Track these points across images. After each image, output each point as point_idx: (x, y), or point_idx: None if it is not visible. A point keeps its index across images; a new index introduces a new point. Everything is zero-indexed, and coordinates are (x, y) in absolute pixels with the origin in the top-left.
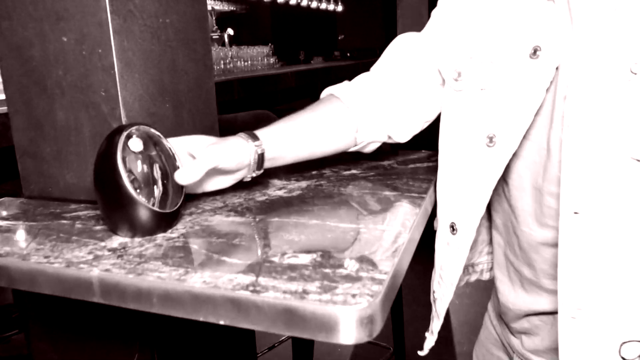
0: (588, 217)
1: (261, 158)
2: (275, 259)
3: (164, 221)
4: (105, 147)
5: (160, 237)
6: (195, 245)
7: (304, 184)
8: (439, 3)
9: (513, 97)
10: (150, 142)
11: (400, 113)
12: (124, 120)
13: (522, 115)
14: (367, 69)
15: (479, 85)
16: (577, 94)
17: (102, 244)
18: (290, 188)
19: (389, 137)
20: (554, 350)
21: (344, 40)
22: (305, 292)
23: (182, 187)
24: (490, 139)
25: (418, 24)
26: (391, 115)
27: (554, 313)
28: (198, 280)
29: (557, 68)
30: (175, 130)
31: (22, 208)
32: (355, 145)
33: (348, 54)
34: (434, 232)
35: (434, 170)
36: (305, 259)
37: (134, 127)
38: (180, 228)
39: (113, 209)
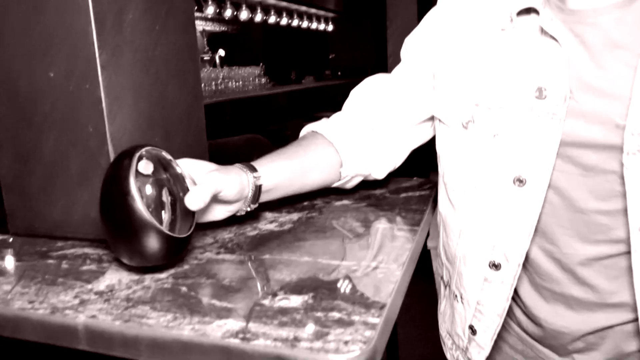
0: None
1: (259, 190)
2: (266, 302)
3: (177, 247)
4: (115, 170)
5: (148, 279)
6: (184, 287)
7: (295, 216)
8: (408, 44)
9: (531, 138)
10: (159, 165)
11: (376, 151)
12: (111, 156)
13: (546, 153)
14: None
15: (491, 131)
16: (634, 123)
17: (89, 286)
18: (282, 221)
19: (369, 174)
20: (614, 359)
21: (335, 59)
22: (296, 339)
23: (192, 212)
24: (520, 181)
25: None
26: (370, 152)
27: (613, 326)
28: (187, 327)
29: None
30: None
31: (7, 246)
32: (340, 179)
33: (339, 73)
34: (428, 251)
35: (426, 199)
36: (296, 301)
37: (144, 149)
38: (169, 267)
39: (125, 236)
